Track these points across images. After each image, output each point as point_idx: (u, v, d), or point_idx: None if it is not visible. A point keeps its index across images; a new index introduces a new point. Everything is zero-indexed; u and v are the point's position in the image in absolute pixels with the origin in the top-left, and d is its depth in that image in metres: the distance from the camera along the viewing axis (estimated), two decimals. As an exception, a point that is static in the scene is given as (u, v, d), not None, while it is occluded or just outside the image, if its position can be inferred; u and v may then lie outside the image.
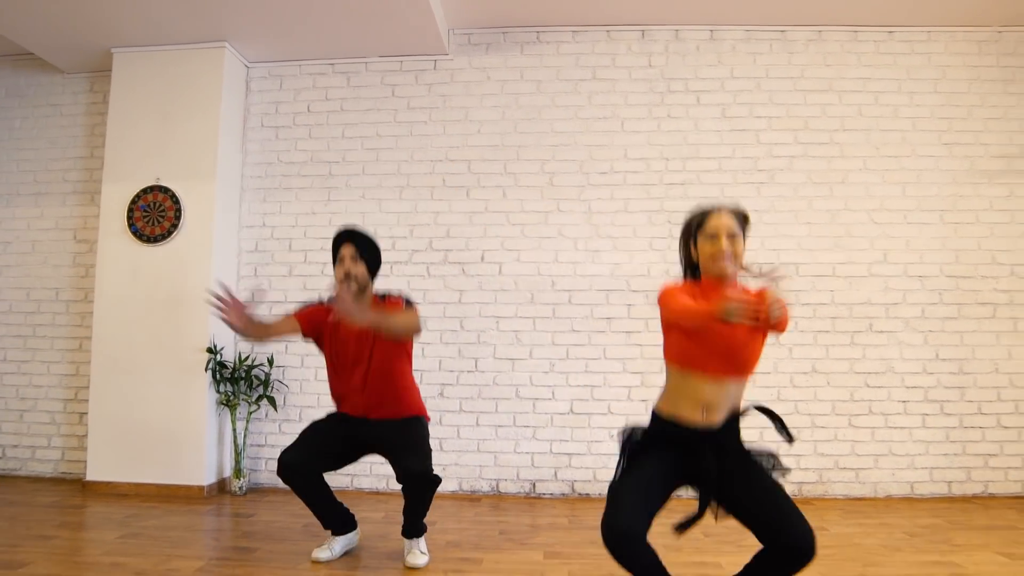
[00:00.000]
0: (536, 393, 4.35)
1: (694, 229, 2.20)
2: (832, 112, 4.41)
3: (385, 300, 2.99)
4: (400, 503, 3.06)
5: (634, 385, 4.31)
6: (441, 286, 4.45)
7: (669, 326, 2.18)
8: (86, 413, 4.50)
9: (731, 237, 2.12)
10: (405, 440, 2.94)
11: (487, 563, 2.97)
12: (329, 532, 3.08)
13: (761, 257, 4.32)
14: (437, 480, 2.90)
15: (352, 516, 3.13)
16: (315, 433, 3.04)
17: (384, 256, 4.32)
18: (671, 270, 4.34)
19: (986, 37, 4.42)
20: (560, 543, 3.27)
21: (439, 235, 4.48)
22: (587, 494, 4.27)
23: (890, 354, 4.25)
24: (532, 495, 4.28)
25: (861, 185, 4.35)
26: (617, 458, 2.22)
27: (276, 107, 4.65)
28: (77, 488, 4.26)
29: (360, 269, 2.92)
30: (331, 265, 4.35)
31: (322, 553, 2.97)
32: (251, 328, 2.72)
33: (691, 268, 2.25)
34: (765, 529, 1.98)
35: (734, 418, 2.18)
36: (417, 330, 2.88)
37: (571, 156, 4.47)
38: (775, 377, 4.26)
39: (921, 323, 4.27)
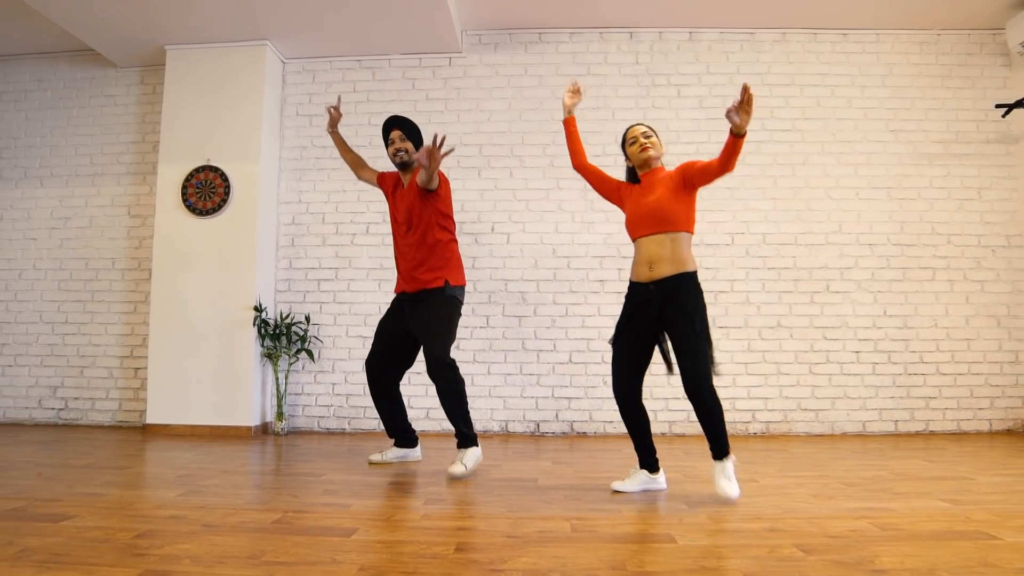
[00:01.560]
0: (539, 345, 4.98)
1: (623, 147, 3.04)
2: (794, 103, 5.10)
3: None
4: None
5: (625, 339, 4.96)
6: (456, 254, 5.08)
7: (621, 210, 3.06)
8: (140, 368, 5.09)
9: (646, 136, 2.95)
10: (427, 321, 3.40)
11: (503, 469, 3.61)
12: (392, 442, 3.70)
13: (733, 228, 5.00)
14: (450, 366, 3.30)
15: (414, 434, 3.75)
16: (379, 334, 3.62)
17: (408, 226, 4.99)
18: (656, 240, 5.00)
19: (926, 39, 5.13)
20: (561, 458, 3.92)
21: (455, 209, 5.09)
22: (584, 432, 4.91)
23: (844, 311, 4.93)
24: (536, 434, 4.92)
25: (819, 166, 5.04)
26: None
27: (310, 98, 5.27)
28: (138, 431, 4.85)
29: (408, 145, 3.56)
30: (360, 236, 5.03)
31: (375, 456, 3.60)
32: (340, 140, 3.86)
33: (632, 176, 3.07)
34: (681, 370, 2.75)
35: (680, 276, 2.81)
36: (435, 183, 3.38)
37: (569, 141, 5.13)
38: (745, 331, 4.93)
39: (871, 284, 4.95)
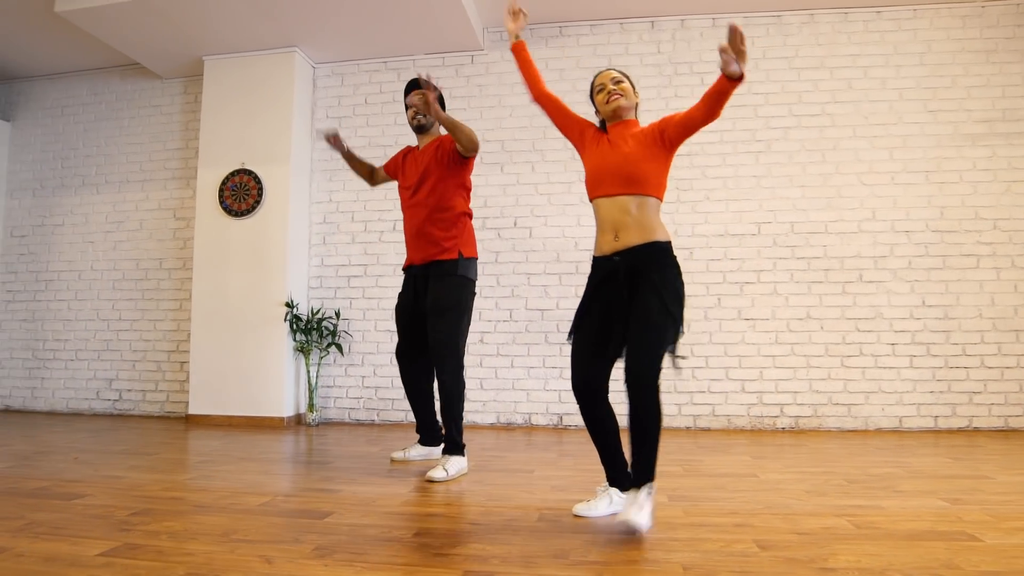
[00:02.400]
0: (562, 339, 4.99)
1: (591, 94, 2.58)
2: (824, 87, 4.92)
3: (434, 141, 3.40)
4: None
5: (648, 332, 4.92)
6: (480, 248, 5.10)
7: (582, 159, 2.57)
8: (186, 362, 5.40)
9: (616, 82, 2.50)
10: (437, 302, 3.19)
11: (510, 458, 3.66)
12: (416, 438, 3.57)
13: (759, 217, 4.87)
14: (459, 359, 3.18)
15: (440, 432, 3.42)
16: (399, 322, 3.41)
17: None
18: (679, 231, 4.94)
19: (969, 12, 4.85)
20: (582, 452, 3.93)
21: (478, 204, 5.16)
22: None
23: (879, 301, 4.74)
24: (559, 426, 4.94)
25: (851, 151, 4.84)
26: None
27: (339, 100, 5.45)
28: (182, 421, 5.15)
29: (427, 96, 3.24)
30: (387, 233, 5.14)
31: (396, 453, 3.53)
32: (352, 157, 3.63)
33: (602, 124, 2.59)
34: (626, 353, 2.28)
35: (650, 245, 2.34)
36: (475, 144, 3.17)
37: (591, 134, 5.11)
38: (773, 323, 4.80)
39: (908, 273, 4.73)
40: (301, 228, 5.26)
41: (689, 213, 4.95)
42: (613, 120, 2.53)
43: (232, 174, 5.15)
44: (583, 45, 5.19)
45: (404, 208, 3.41)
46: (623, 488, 2.45)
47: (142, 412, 5.48)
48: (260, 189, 5.10)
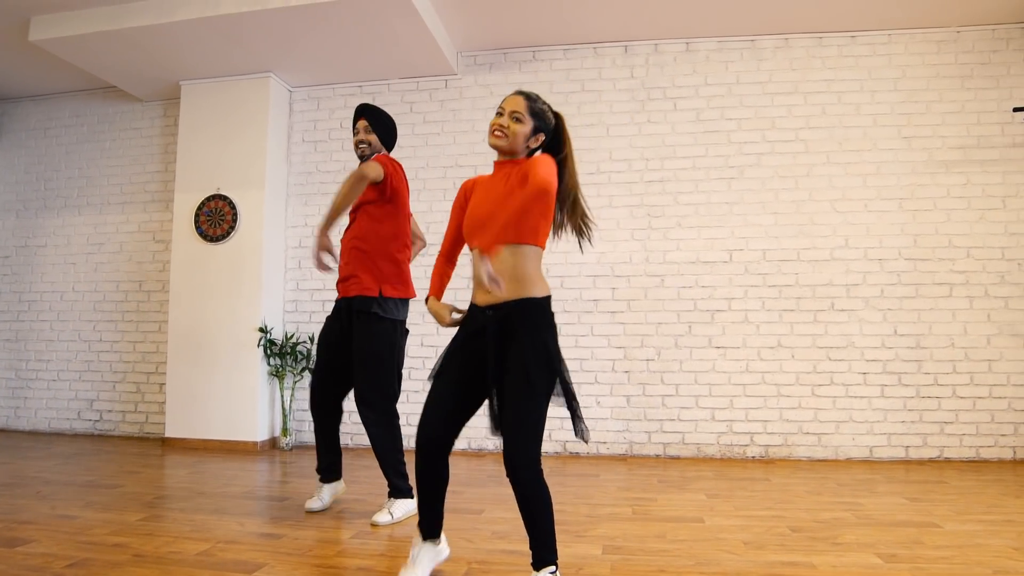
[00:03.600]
0: (533, 366, 5.00)
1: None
2: (798, 112, 4.87)
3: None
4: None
5: (618, 358, 4.91)
6: (454, 274, 5.13)
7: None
8: (164, 384, 5.45)
9: (512, 115, 2.22)
10: (360, 352, 3.13)
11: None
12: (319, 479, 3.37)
13: (731, 244, 4.84)
14: (378, 409, 3.16)
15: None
16: (321, 352, 3.28)
17: (401, 249, 5.08)
18: (650, 257, 4.92)
19: (944, 37, 4.78)
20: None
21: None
22: (577, 453, 4.90)
23: (851, 330, 4.70)
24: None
25: (824, 177, 4.80)
26: None
27: (315, 124, 5.47)
28: (159, 443, 5.21)
29: (372, 138, 3.25)
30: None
31: (313, 504, 3.29)
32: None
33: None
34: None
35: (526, 300, 2.15)
36: (362, 177, 2.96)
37: (564, 159, 5.09)
38: (744, 351, 4.78)
39: (880, 302, 4.69)
40: (276, 252, 5.29)
41: (660, 240, 4.93)
42: (500, 156, 2.32)
43: (208, 199, 5.18)
44: (556, 69, 5.17)
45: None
46: (436, 539, 2.37)
47: (122, 433, 5.55)
48: (235, 215, 5.14)
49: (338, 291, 3.29)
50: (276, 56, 4.99)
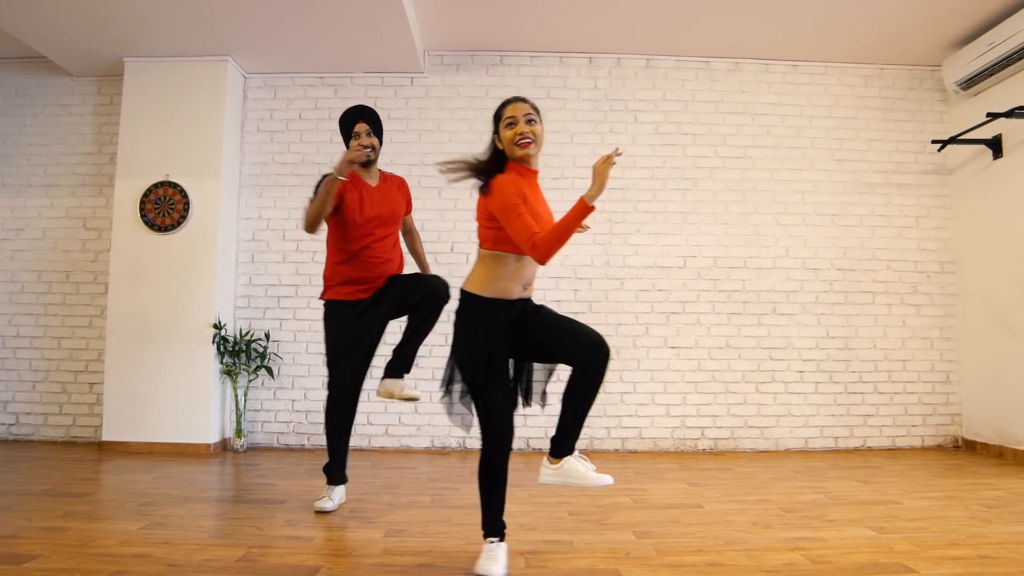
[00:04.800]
0: (497, 365, 5.09)
1: (495, 124, 2.45)
2: (746, 131, 5.28)
3: (392, 177, 3.55)
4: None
5: (580, 358, 5.10)
6: (415, 271, 5.14)
7: (492, 220, 2.39)
8: (95, 383, 5.05)
9: (529, 121, 2.38)
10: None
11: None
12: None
13: (685, 251, 5.17)
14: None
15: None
16: (353, 351, 3.40)
17: (368, 246, 5.01)
18: (611, 261, 5.16)
19: (871, 72, 5.36)
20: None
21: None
22: (539, 448, 5.04)
23: (790, 332, 5.15)
24: (527, 451, 5.02)
25: (769, 193, 5.24)
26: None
27: (271, 113, 5.27)
28: (93, 448, 4.82)
29: (374, 141, 3.34)
30: (321, 254, 5.01)
31: (326, 504, 3.28)
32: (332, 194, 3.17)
33: (498, 157, 2.46)
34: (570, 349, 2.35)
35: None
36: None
37: (529, 163, 5.23)
38: (696, 351, 5.11)
39: (815, 307, 5.18)
40: (228, 245, 5.05)
41: (621, 245, 5.17)
42: (525, 162, 2.45)
43: (155, 186, 4.87)
44: (523, 75, 5.30)
45: (367, 240, 3.35)
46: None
47: (43, 437, 5.07)
48: (187, 204, 4.86)
49: (361, 293, 3.35)
50: (237, 39, 4.77)
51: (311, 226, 3.21)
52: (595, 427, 5.06)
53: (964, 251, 5.17)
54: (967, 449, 5.05)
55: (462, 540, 2.83)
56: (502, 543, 2.47)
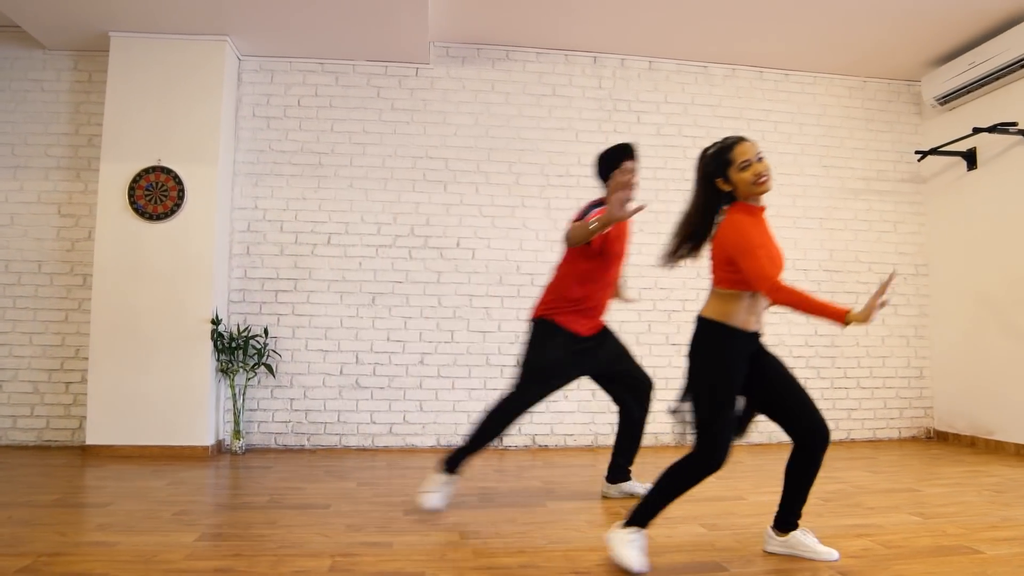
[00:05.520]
0: (504, 361, 5.05)
1: (722, 168, 2.41)
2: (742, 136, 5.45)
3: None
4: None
5: (585, 355, 5.13)
6: (422, 268, 5.04)
7: (731, 264, 2.45)
8: (73, 383, 4.68)
9: (759, 159, 2.39)
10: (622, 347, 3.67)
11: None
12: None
13: (687, 251, 5.28)
14: None
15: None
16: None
17: (370, 240, 4.96)
18: (615, 259, 5.21)
19: (855, 84, 5.65)
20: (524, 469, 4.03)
21: (420, 223, 5.06)
22: (545, 445, 5.04)
23: (781, 331, 5.36)
24: (499, 447, 4.99)
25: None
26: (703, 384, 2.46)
27: (268, 99, 5.02)
28: (75, 453, 4.46)
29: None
30: (321, 247, 4.86)
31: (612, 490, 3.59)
32: None
33: (715, 202, 2.48)
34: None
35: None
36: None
37: (534, 160, 5.22)
38: (696, 348, 5.23)
39: (804, 306, 5.41)
40: (222, 236, 4.79)
41: (624, 243, 5.23)
42: (753, 199, 2.46)
43: (146, 171, 4.55)
44: (529, 71, 5.28)
45: (602, 274, 3.36)
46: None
47: (11, 441, 4.64)
48: (181, 191, 4.57)
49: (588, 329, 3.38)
50: (235, 19, 4.52)
51: (574, 245, 3.20)
52: (600, 424, 5.10)
53: (936, 255, 5.53)
54: (939, 440, 5.41)
55: (545, 540, 2.79)
56: (644, 532, 2.47)
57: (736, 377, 2.45)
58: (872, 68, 5.52)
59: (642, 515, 2.46)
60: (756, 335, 2.54)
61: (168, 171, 4.57)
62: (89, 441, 4.42)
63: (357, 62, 5.11)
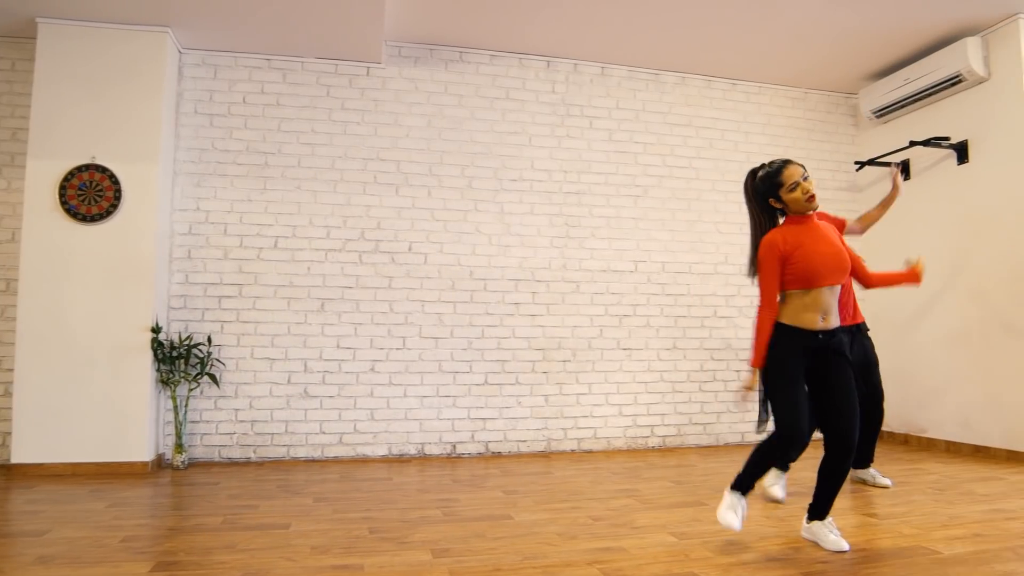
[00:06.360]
0: (456, 367, 4.99)
1: (773, 190, 2.71)
2: (691, 143, 5.55)
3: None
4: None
5: (537, 360, 5.12)
6: (372, 272, 4.92)
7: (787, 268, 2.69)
8: (-5, 395, 4.36)
9: (805, 179, 2.67)
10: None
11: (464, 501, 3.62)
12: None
13: (636, 256, 5.35)
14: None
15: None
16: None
17: (319, 244, 4.83)
18: (567, 264, 5.21)
19: (797, 95, 5.83)
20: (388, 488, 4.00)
21: (371, 226, 4.94)
22: (499, 452, 5.00)
23: (729, 335, 5.49)
24: (453, 455, 4.92)
25: (711, 203, 5.54)
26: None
27: (211, 95, 4.79)
28: (1, 472, 4.15)
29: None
30: (267, 250, 4.71)
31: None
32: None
33: (771, 217, 2.79)
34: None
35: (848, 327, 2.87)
36: None
37: (487, 164, 5.16)
38: (646, 352, 5.31)
39: (750, 311, 5.54)
40: (162, 239, 4.54)
41: (577, 248, 5.25)
42: (804, 213, 2.72)
43: (79, 169, 4.26)
44: (483, 74, 5.21)
45: None
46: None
47: (-77, 460, 4.29)
48: (118, 191, 4.30)
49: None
50: (177, 9, 4.29)
51: None
52: (553, 429, 5.10)
53: (872, 263, 5.73)
54: (874, 439, 5.65)
55: (518, 555, 2.75)
56: (745, 497, 2.80)
57: (790, 363, 2.66)
58: (814, 80, 5.70)
59: (741, 482, 2.80)
60: (821, 333, 2.69)
61: (103, 170, 4.30)
62: (15, 459, 4.12)
63: (306, 59, 4.94)
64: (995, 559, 2.65)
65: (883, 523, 3.15)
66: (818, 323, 2.69)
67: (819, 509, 2.78)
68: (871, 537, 2.94)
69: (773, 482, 3.64)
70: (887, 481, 3.96)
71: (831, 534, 2.76)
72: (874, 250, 5.78)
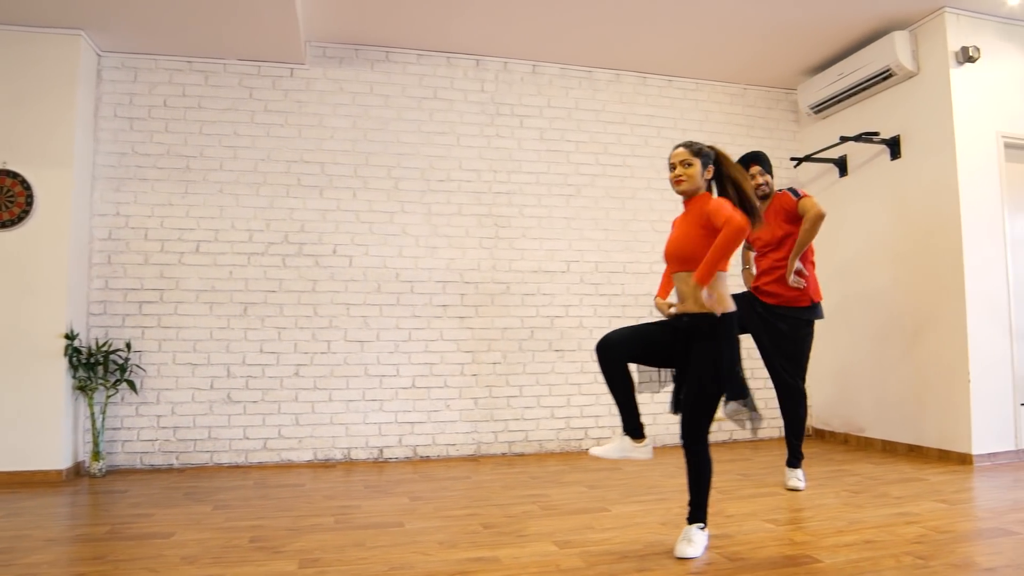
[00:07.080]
0: (383, 371, 4.95)
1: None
2: (625, 141, 5.49)
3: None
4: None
5: (466, 362, 5.08)
6: (296, 276, 4.89)
7: None
8: (-90, 402, 4.35)
9: (683, 163, 2.75)
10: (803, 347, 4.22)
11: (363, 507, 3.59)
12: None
13: (569, 256, 5.30)
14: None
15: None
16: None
17: (241, 248, 4.79)
18: (497, 265, 5.17)
19: (736, 91, 5.76)
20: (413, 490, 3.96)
21: (294, 229, 4.91)
22: (427, 456, 4.97)
23: (664, 334, 5.43)
24: (380, 460, 4.90)
25: (645, 201, 5.48)
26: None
27: (130, 98, 4.76)
28: (-93, 480, 4.15)
29: (768, 178, 3.93)
30: (189, 255, 4.70)
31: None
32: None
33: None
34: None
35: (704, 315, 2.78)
36: (821, 217, 3.81)
37: (414, 164, 5.12)
38: (579, 354, 5.26)
39: (686, 310, 5.49)
40: (81, 244, 4.52)
41: (507, 249, 5.20)
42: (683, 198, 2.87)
43: (-12, 176, 4.26)
44: (410, 73, 5.17)
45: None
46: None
47: None
48: (29, 196, 4.29)
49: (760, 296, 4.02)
50: (91, 11, 4.24)
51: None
52: (483, 432, 5.07)
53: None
54: (817, 438, 5.60)
55: (385, 565, 2.72)
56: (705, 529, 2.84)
57: (663, 323, 3.01)
58: (752, 76, 5.63)
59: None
60: (683, 316, 2.86)
61: (14, 175, 4.28)
62: (-77, 468, 4.13)
63: (228, 61, 4.90)
64: (872, 568, 2.59)
65: (778, 530, 3.10)
66: (677, 305, 2.89)
67: (696, 509, 2.83)
68: (758, 546, 2.88)
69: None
70: (798, 484, 3.92)
71: (634, 449, 3.04)
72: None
